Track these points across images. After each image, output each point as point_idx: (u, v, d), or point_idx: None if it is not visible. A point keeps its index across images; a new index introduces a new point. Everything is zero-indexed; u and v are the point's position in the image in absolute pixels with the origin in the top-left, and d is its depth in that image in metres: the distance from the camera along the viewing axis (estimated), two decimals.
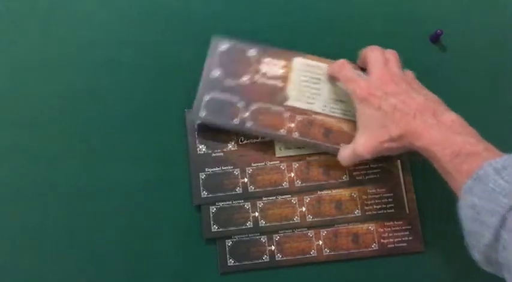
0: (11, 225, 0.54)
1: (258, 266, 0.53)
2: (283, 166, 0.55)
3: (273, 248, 0.54)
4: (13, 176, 0.55)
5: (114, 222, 0.54)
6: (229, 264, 0.53)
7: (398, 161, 0.55)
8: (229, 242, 0.54)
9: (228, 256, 0.53)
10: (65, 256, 0.53)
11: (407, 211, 0.55)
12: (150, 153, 0.56)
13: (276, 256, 0.53)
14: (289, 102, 0.54)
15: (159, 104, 0.57)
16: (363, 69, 0.51)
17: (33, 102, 0.57)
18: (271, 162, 0.55)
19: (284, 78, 0.54)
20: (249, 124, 0.53)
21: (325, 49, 0.59)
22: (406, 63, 0.60)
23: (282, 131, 0.54)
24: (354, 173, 0.55)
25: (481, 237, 0.39)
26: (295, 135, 0.53)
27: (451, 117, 0.45)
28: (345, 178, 0.55)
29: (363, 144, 0.48)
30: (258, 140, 0.56)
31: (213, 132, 0.55)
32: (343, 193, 0.55)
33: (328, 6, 0.61)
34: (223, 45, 0.55)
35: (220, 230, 0.54)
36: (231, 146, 0.55)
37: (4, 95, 0.57)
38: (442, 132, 0.43)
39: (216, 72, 0.54)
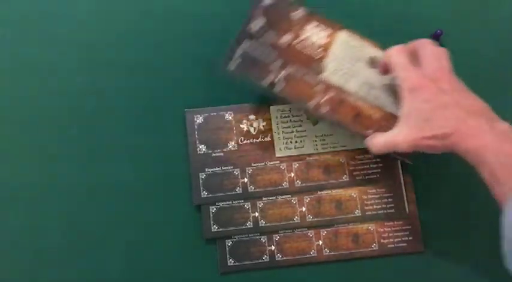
0: (11, 225, 0.54)
1: (258, 266, 0.53)
2: (283, 166, 0.55)
3: (273, 248, 0.54)
4: (13, 176, 0.55)
5: (114, 222, 0.54)
6: (229, 264, 0.53)
7: (399, 161, 0.55)
8: (229, 242, 0.54)
9: (228, 256, 0.53)
10: (64, 256, 0.53)
11: (407, 211, 0.55)
12: (150, 153, 0.56)
13: (276, 256, 0.53)
14: (325, 75, 0.52)
15: (159, 104, 0.57)
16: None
17: (33, 102, 0.57)
18: (271, 162, 0.55)
19: (325, 48, 0.52)
20: (278, 88, 0.50)
21: None
22: None
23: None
24: (354, 173, 0.55)
25: None
26: (324, 109, 0.51)
27: (504, 126, 0.44)
28: (345, 178, 0.55)
29: (404, 135, 0.46)
30: (258, 140, 0.56)
31: (213, 132, 0.55)
32: (343, 193, 0.55)
33: (328, 6, 0.61)
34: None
35: (220, 230, 0.54)
36: (231, 146, 0.55)
37: (4, 95, 0.57)
38: (496, 139, 0.42)
39: (258, 23, 0.51)
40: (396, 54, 0.49)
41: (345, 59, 0.52)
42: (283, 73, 0.50)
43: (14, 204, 0.54)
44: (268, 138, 0.56)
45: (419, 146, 0.45)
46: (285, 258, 0.53)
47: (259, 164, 0.55)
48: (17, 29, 0.59)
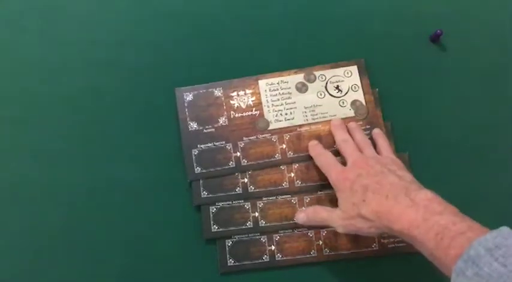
0: (11, 225, 0.54)
1: (258, 266, 0.53)
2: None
3: (273, 248, 0.54)
4: (13, 176, 0.55)
5: (114, 222, 0.54)
6: (229, 264, 0.53)
7: None
8: (229, 242, 0.54)
9: (228, 256, 0.53)
10: (64, 256, 0.53)
11: None
12: (150, 154, 0.56)
13: (276, 256, 0.53)
14: (272, 126, 0.55)
15: (159, 104, 0.57)
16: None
17: (34, 102, 0.57)
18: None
19: (257, 105, 0.56)
20: (244, 162, 0.54)
21: (325, 49, 0.59)
22: (406, 63, 0.60)
23: (277, 156, 0.55)
24: None
25: None
26: (290, 154, 0.54)
27: (426, 195, 0.43)
28: None
29: (337, 213, 0.48)
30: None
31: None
32: None
33: (328, 6, 0.61)
34: (189, 96, 0.56)
35: (220, 230, 0.54)
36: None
37: (4, 94, 0.57)
38: (420, 214, 0.42)
39: (193, 125, 0.55)
40: (319, 152, 0.53)
41: (278, 101, 0.56)
42: (239, 149, 0.55)
43: (14, 204, 0.54)
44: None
45: (351, 227, 0.47)
46: (285, 258, 0.53)
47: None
48: (17, 29, 0.59)
